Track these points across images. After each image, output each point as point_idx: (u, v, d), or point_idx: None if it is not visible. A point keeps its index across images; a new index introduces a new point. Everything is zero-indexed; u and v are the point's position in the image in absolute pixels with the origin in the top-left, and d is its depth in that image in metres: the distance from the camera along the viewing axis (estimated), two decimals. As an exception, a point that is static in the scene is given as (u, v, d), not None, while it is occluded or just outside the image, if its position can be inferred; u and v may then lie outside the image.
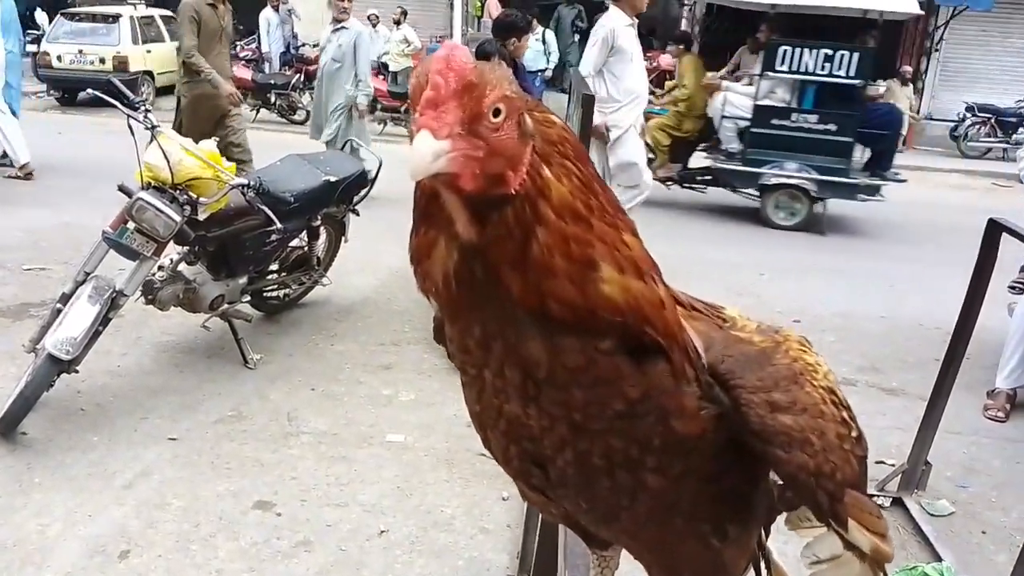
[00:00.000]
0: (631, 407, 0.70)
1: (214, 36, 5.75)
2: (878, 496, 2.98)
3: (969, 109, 12.40)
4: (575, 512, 0.78)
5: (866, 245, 7.03)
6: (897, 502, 2.97)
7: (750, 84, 7.66)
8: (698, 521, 0.76)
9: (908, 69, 13.08)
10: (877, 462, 3.26)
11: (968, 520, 2.95)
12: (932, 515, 2.92)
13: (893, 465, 3.09)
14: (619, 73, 4.96)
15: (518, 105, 0.67)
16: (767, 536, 0.99)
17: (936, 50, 13.44)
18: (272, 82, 11.78)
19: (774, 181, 7.17)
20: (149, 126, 3.21)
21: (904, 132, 12.80)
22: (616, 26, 4.87)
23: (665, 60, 14.58)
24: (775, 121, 7.22)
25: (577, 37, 13.35)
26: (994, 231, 2.64)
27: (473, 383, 0.74)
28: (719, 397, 0.73)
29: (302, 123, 11.79)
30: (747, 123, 7.33)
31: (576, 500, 0.74)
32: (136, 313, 4.02)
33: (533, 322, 0.68)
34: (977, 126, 12.31)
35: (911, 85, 12.98)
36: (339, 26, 6.76)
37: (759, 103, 7.25)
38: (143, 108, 3.28)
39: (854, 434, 0.77)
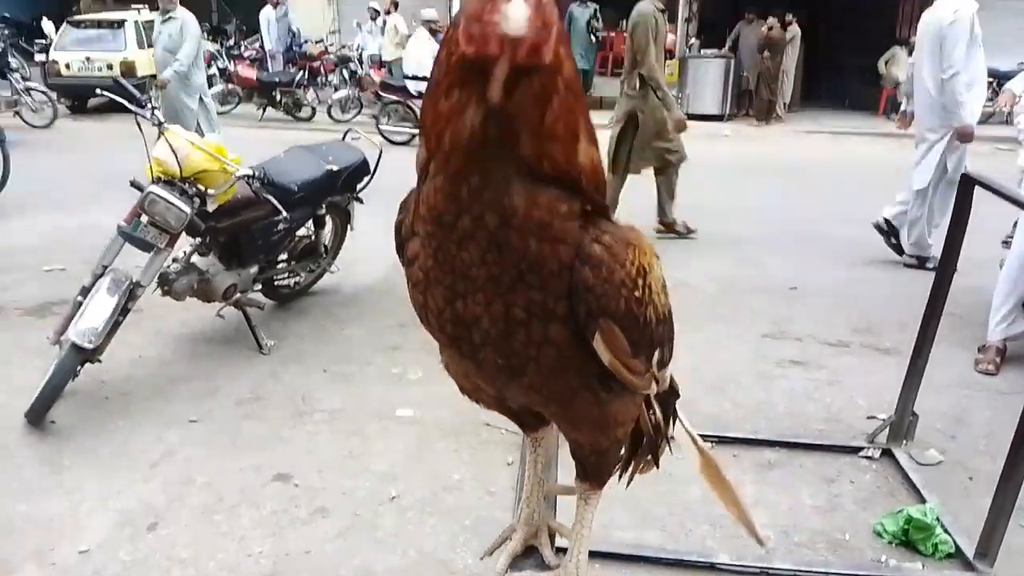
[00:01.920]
0: (561, 267, 0.88)
1: (661, 46, 5.54)
2: (868, 448, 3.11)
3: (971, 74, 12.33)
4: (493, 373, 0.94)
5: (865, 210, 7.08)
6: (887, 453, 3.08)
7: None
8: (588, 376, 0.93)
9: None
10: (868, 417, 3.39)
11: (956, 468, 3.06)
12: (921, 464, 3.03)
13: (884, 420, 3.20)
14: (976, 60, 4.77)
15: None
16: (668, 423, 1.17)
17: (936, 16, 13.36)
18: (277, 80, 11.95)
19: None
20: (156, 123, 3.37)
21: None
22: (973, 10, 4.70)
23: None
24: None
25: (594, 39, 13.04)
26: (968, 185, 2.74)
27: (435, 238, 0.90)
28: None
29: (308, 120, 11.99)
30: None
31: (495, 358, 0.91)
32: (155, 307, 4.19)
33: (523, 176, 0.85)
34: (979, 91, 12.25)
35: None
36: (167, 16, 6.90)
37: None
38: (150, 106, 3.43)
39: (637, 294, 0.93)
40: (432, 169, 0.87)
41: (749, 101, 13.55)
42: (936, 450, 3.14)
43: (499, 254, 0.86)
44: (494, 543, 1.14)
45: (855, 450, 3.13)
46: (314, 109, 12.15)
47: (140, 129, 3.35)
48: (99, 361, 3.32)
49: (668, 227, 6.02)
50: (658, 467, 1.22)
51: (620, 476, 1.20)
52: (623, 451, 1.13)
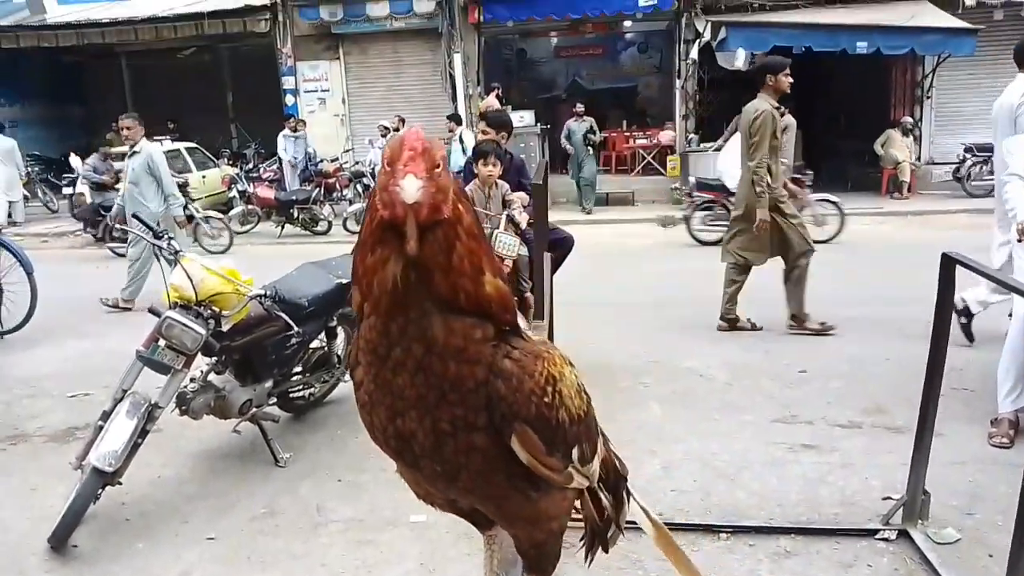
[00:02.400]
0: (477, 384, 1.03)
1: (777, 146, 5.73)
2: (883, 530, 3.08)
3: (968, 150, 12.62)
4: (434, 479, 1.04)
5: (875, 290, 7.14)
6: (903, 534, 3.05)
7: None
8: (514, 477, 1.04)
9: (909, 120, 13.45)
10: (884, 498, 3.36)
11: (975, 545, 3.02)
12: (938, 543, 2.99)
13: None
14: None
15: (446, 162, 1.04)
16: (620, 508, 1.25)
17: (928, 97, 13.79)
18: (294, 198, 12.41)
19: None
20: (172, 252, 3.56)
21: (907, 179, 13.10)
22: None
23: (666, 136, 15.16)
24: None
25: (591, 150, 13.56)
26: (948, 265, 2.83)
27: (373, 366, 1.06)
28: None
29: (324, 233, 12.37)
30: None
31: (433, 466, 1.02)
32: (174, 426, 4.29)
33: (440, 311, 1.01)
34: (978, 165, 12.50)
35: (911, 135, 13.33)
36: (131, 151, 7.16)
37: None
38: (166, 236, 3.64)
39: (547, 399, 1.08)
40: (366, 310, 1.04)
41: (752, 189, 13.84)
42: (953, 528, 3.10)
43: (425, 377, 1.01)
44: None
45: (871, 532, 3.10)
46: (330, 223, 12.55)
47: (158, 258, 3.55)
48: (120, 483, 3.40)
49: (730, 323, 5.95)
50: (607, 552, 1.32)
51: (584, 559, 1.31)
52: (582, 539, 1.22)
